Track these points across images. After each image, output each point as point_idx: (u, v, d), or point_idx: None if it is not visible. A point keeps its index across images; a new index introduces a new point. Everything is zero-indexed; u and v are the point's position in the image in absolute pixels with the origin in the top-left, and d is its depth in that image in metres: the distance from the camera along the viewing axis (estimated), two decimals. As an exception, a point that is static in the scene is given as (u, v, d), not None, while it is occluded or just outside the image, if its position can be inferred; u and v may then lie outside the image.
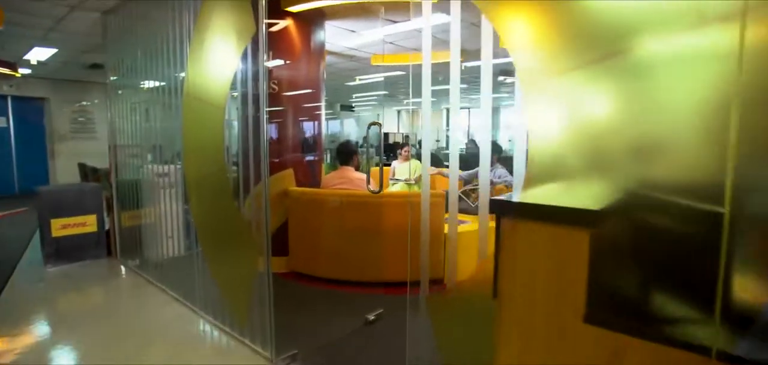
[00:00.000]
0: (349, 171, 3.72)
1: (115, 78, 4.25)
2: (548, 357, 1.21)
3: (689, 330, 1.03)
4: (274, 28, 3.76)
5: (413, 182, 5.51)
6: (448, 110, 17.40)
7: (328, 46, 4.74)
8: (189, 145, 2.95)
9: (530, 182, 1.29)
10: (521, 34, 1.39)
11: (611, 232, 1.09)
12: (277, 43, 3.83)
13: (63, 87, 8.89)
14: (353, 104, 14.42)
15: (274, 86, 3.80)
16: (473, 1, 1.49)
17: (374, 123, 2.93)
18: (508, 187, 4.28)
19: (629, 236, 1.09)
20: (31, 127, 8.95)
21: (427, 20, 1.76)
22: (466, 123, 17.03)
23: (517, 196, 1.38)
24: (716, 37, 0.94)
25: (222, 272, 2.86)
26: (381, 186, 2.79)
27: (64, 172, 8.85)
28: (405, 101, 15.36)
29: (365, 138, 11.74)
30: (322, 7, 3.91)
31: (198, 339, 2.79)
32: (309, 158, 4.13)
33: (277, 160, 3.81)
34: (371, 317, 2.85)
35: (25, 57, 6.27)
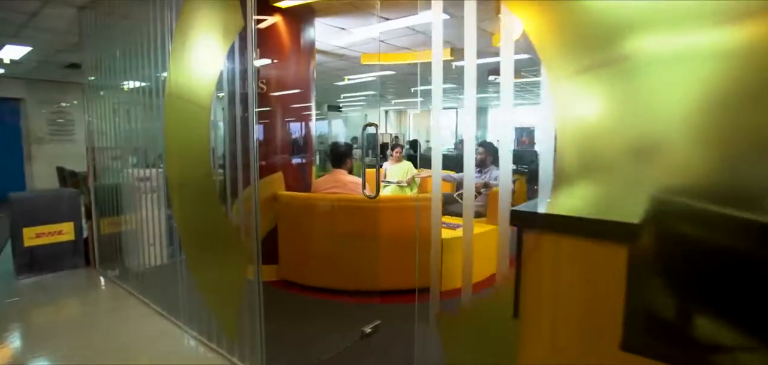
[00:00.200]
0: (343, 174, 3.56)
1: (93, 78, 4.03)
2: (579, 386, 1.09)
3: (742, 359, 0.91)
4: (262, 25, 3.59)
5: (405, 184, 5.41)
6: (436, 111, 17.35)
7: (317, 45, 4.57)
8: (172, 147, 2.77)
9: (559, 188, 1.17)
10: (553, 27, 1.26)
11: (653, 248, 0.96)
12: (265, 41, 3.66)
13: (39, 87, 8.53)
14: (341, 105, 14.26)
15: (262, 86, 3.62)
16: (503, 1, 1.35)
17: (370, 124, 2.78)
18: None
19: (674, 253, 0.96)
20: (5, 129, 8.56)
21: (437, 15, 1.61)
22: (454, 124, 17.03)
23: (542, 206, 1.25)
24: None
25: (208, 282, 2.68)
26: (378, 191, 2.66)
27: (41, 176, 8.49)
28: (393, 101, 15.27)
29: (355, 139, 11.60)
30: (312, 2, 3.76)
31: (182, 356, 2.61)
32: (299, 160, 3.96)
33: (263, 162, 3.64)
34: (368, 329, 2.70)
35: (-3, 56, 5.97)
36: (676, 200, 0.96)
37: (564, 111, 1.18)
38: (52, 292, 3.57)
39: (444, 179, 5.17)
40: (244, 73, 2.39)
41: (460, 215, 4.18)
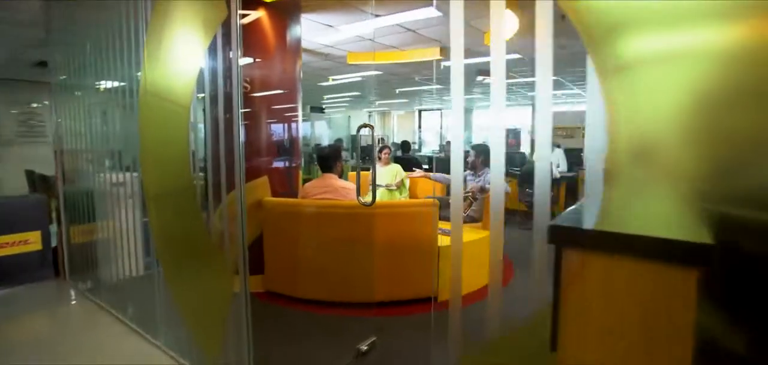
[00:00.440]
0: (333, 179, 3.38)
1: (64, 77, 3.74)
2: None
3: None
4: (246, 20, 3.38)
5: (394, 187, 5.25)
6: (420, 112, 17.30)
7: (302, 43, 4.38)
8: (147, 149, 2.54)
9: (610, 199, 1.02)
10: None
11: (731, 272, 0.82)
12: (249, 37, 3.46)
13: (7, 87, 8.08)
14: (324, 106, 14.02)
15: (246, 85, 3.41)
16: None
17: (365, 125, 2.62)
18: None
19: (758, 279, 0.82)
20: (-30, 131, 8.07)
21: (458, 9, 1.43)
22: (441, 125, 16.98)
23: (588, 220, 1.10)
24: None
25: (187, 297, 2.47)
26: (374, 197, 2.49)
27: (10, 180, 8.01)
28: (376, 102, 15.10)
29: (339, 141, 11.38)
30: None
31: (161, 379, 2.39)
32: (286, 164, 3.76)
33: (247, 165, 3.42)
34: (363, 347, 2.53)
35: (-43, 53, 5.58)
36: (761, 217, 0.82)
37: (618, 106, 1.04)
38: (16, 307, 3.28)
39: (438, 181, 5.04)
40: (227, 70, 2.20)
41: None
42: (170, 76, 2.31)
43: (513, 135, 11.71)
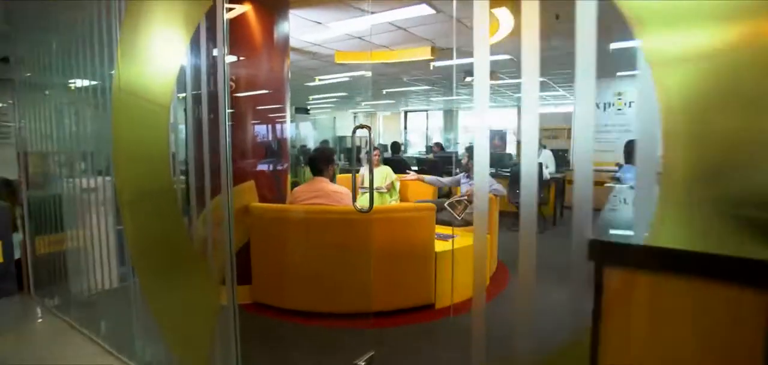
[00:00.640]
0: (325, 183, 3.17)
1: (29, 74, 3.44)
2: None
3: None
4: (231, 15, 3.16)
5: (384, 189, 5.08)
6: (406, 113, 17.20)
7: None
8: (122, 150, 2.31)
9: (665, 211, 0.87)
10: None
11: None
12: (235, 33, 3.23)
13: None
14: (309, 107, 13.77)
15: (231, 83, 3.19)
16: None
17: (361, 126, 2.44)
18: (497, 196, 3.94)
19: None
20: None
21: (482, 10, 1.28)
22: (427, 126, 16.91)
23: (637, 235, 0.95)
24: None
25: (168, 311, 2.25)
26: (371, 203, 2.31)
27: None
28: (362, 103, 14.93)
29: (325, 143, 11.14)
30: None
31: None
32: (273, 167, 3.54)
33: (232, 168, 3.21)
34: (361, 363, 2.34)
35: None
36: None
37: (677, 101, 0.89)
38: (-26, 327, 2.97)
39: (432, 184, 4.89)
40: (212, 67, 2.00)
41: (448, 223, 3.92)
42: (147, 73, 2.10)
43: (498, 136, 11.69)
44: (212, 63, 2.00)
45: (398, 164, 5.71)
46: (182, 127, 2.26)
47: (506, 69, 7.14)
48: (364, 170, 5.10)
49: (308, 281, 3.05)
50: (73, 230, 3.09)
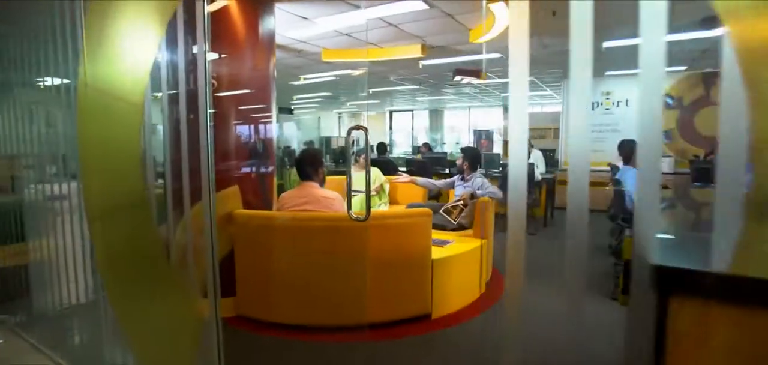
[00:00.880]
0: (314, 188, 2.97)
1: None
2: None
3: None
4: (212, 7, 2.93)
5: (374, 193, 4.90)
6: (391, 113, 17.06)
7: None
8: (89, 153, 2.09)
9: (754, 231, 0.72)
10: None
11: None
12: (216, 28, 3.01)
13: None
14: (293, 107, 13.51)
15: (213, 82, 2.96)
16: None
17: (357, 127, 2.27)
18: (494, 200, 3.80)
19: None
20: None
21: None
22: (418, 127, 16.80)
23: (713, 262, 0.79)
24: None
25: (142, 328, 2.04)
26: (368, 210, 2.13)
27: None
28: (347, 103, 14.72)
29: (310, 143, 10.90)
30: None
31: None
32: (258, 170, 3.33)
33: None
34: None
35: None
36: None
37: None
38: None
39: (424, 186, 4.74)
40: (191, 63, 1.81)
41: (442, 227, 3.77)
42: (117, 68, 1.88)
43: (485, 136, 11.67)
44: (191, 59, 1.81)
45: (386, 166, 5.54)
46: (160, 128, 2.06)
47: (494, 68, 7.05)
48: (354, 174, 4.92)
49: (297, 292, 2.86)
50: (37, 239, 2.83)
